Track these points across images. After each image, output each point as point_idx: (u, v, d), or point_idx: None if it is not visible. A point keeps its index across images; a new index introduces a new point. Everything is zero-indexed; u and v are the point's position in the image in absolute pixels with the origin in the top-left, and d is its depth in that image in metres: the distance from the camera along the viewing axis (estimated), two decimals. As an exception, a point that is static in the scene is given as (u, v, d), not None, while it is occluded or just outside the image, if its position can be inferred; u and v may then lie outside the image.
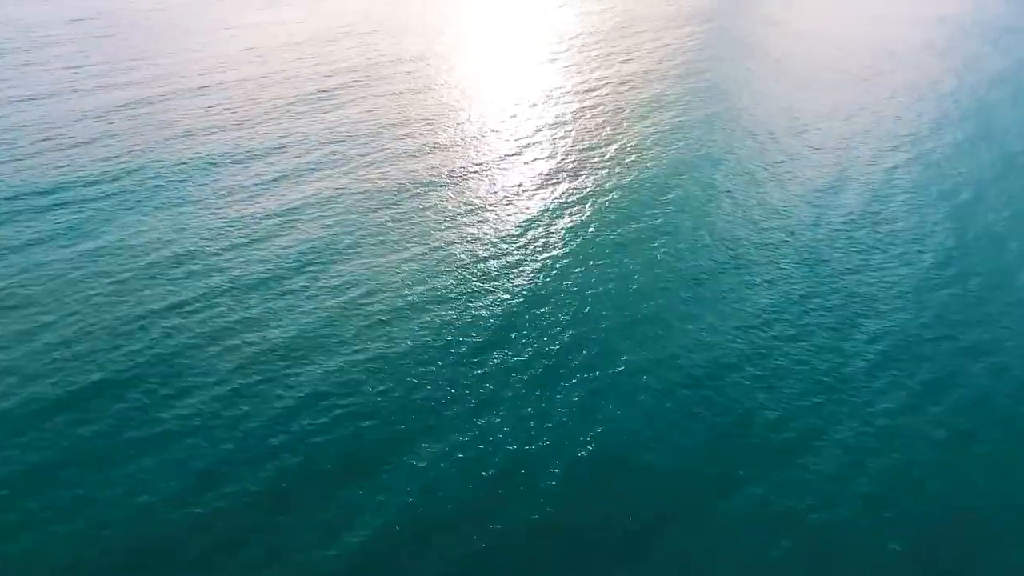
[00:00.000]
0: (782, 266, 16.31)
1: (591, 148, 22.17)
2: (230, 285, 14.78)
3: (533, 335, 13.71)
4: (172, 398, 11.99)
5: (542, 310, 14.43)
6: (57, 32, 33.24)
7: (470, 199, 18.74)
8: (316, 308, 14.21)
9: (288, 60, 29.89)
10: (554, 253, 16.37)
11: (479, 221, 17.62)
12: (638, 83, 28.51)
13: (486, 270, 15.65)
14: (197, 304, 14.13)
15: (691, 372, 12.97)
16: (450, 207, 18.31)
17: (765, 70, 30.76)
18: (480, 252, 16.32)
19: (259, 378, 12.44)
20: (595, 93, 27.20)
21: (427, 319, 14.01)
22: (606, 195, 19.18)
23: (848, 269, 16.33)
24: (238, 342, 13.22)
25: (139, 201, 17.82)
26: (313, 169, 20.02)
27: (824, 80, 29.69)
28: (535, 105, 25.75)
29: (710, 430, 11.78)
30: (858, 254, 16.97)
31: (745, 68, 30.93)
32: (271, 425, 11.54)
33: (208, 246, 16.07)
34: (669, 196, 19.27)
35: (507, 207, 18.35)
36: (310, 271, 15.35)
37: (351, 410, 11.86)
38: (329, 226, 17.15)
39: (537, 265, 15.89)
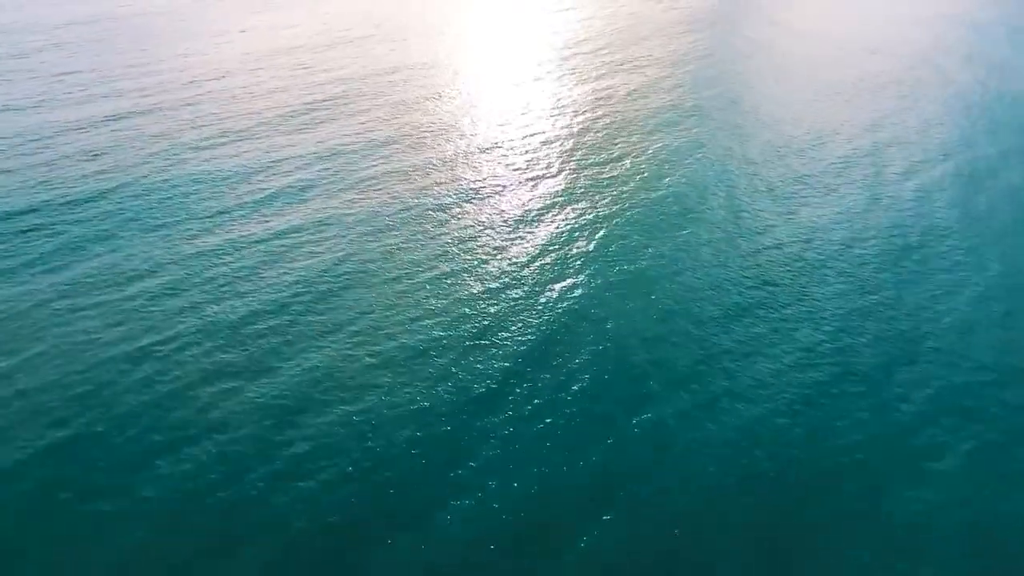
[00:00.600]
0: (814, 296, 15.02)
1: (602, 164, 20.89)
2: (214, 322, 13.51)
3: (549, 379, 12.42)
4: (154, 453, 10.73)
5: (557, 349, 13.14)
6: (49, 37, 32.05)
7: (474, 223, 17.47)
8: (311, 347, 12.94)
9: (282, 68, 28.66)
10: (565, 284, 15.09)
11: (483, 248, 16.34)
12: (648, 93, 27.23)
13: (493, 304, 14.36)
14: (176, 344, 12.86)
15: (724, 421, 11.69)
16: (452, 232, 17.04)
17: (780, 77, 29.46)
18: (486, 283, 15.05)
19: (250, 431, 11.17)
20: (603, 104, 25.92)
21: (431, 361, 12.73)
22: (620, 217, 17.89)
23: (887, 300, 15.03)
24: (225, 387, 11.95)
25: (118, 225, 16.54)
26: (305, 188, 18.75)
27: (842, 87, 28.39)
28: (541, 117, 24.49)
29: (751, 493, 10.49)
30: (896, 280, 15.68)
31: (759, 75, 29.63)
32: (264, 484, 10.28)
33: (192, 277, 14.80)
34: (687, 217, 17.98)
35: (514, 231, 17.07)
36: (303, 305, 14.08)
37: (350, 468, 10.59)
38: (322, 252, 15.89)
39: (548, 298, 14.61)
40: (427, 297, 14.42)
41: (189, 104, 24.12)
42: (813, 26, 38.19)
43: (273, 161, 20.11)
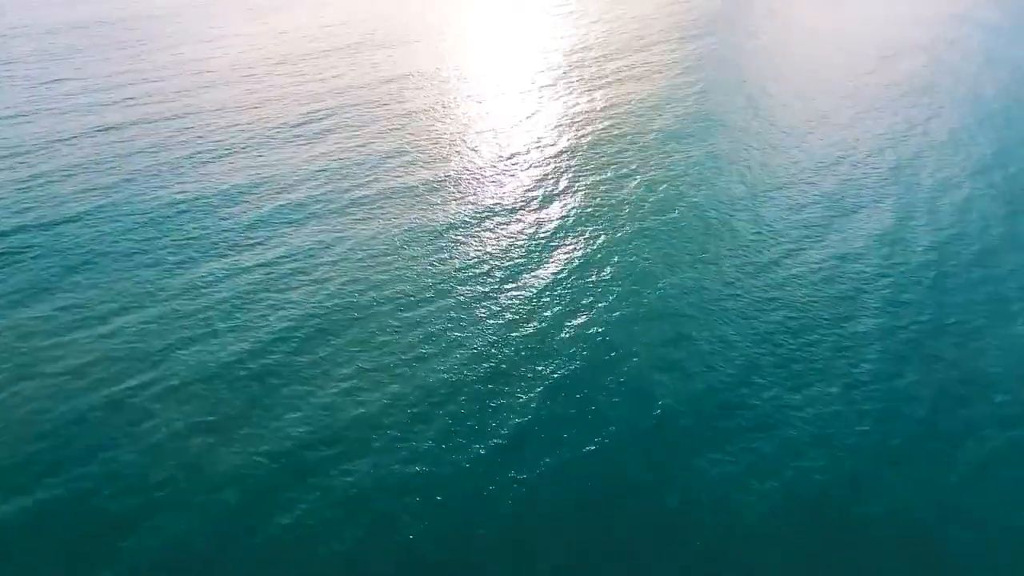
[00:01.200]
0: (847, 327, 13.89)
1: (613, 180, 19.75)
2: (201, 362, 12.34)
3: (565, 424, 11.29)
4: (132, 515, 9.64)
5: (572, 390, 12.01)
6: (39, 43, 30.89)
7: (478, 248, 16.32)
8: (306, 391, 11.80)
9: (278, 76, 27.51)
10: (579, 315, 13.95)
11: (489, 277, 15.17)
12: (657, 101, 26.09)
13: (503, 339, 13.18)
14: (158, 388, 11.73)
15: (754, 469, 10.57)
16: (455, 258, 15.90)
17: (791, 82, 28.32)
18: (493, 317, 13.90)
19: (238, 488, 10.06)
20: (611, 114, 24.78)
21: (436, 405, 11.58)
22: (634, 241, 16.76)
23: (927, 330, 13.90)
24: (211, 439, 10.83)
25: (95, 252, 15.35)
26: (298, 210, 17.59)
27: (857, 93, 27.25)
28: (546, 130, 23.36)
29: (787, 547, 9.40)
30: (934, 308, 14.57)
31: (769, 80, 28.47)
32: (255, 550, 9.19)
33: (176, 311, 13.62)
34: (705, 239, 16.85)
35: (521, 258, 15.90)
36: (297, 342, 12.91)
37: (350, 530, 9.50)
38: (317, 282, 14.75)
39: (561, 332, 13.46)
40: (430, 332, 13.29)
41: (177, 116, 22.97)
42: (819, 26, 37.09)
43: (264, 179, 18.96)
